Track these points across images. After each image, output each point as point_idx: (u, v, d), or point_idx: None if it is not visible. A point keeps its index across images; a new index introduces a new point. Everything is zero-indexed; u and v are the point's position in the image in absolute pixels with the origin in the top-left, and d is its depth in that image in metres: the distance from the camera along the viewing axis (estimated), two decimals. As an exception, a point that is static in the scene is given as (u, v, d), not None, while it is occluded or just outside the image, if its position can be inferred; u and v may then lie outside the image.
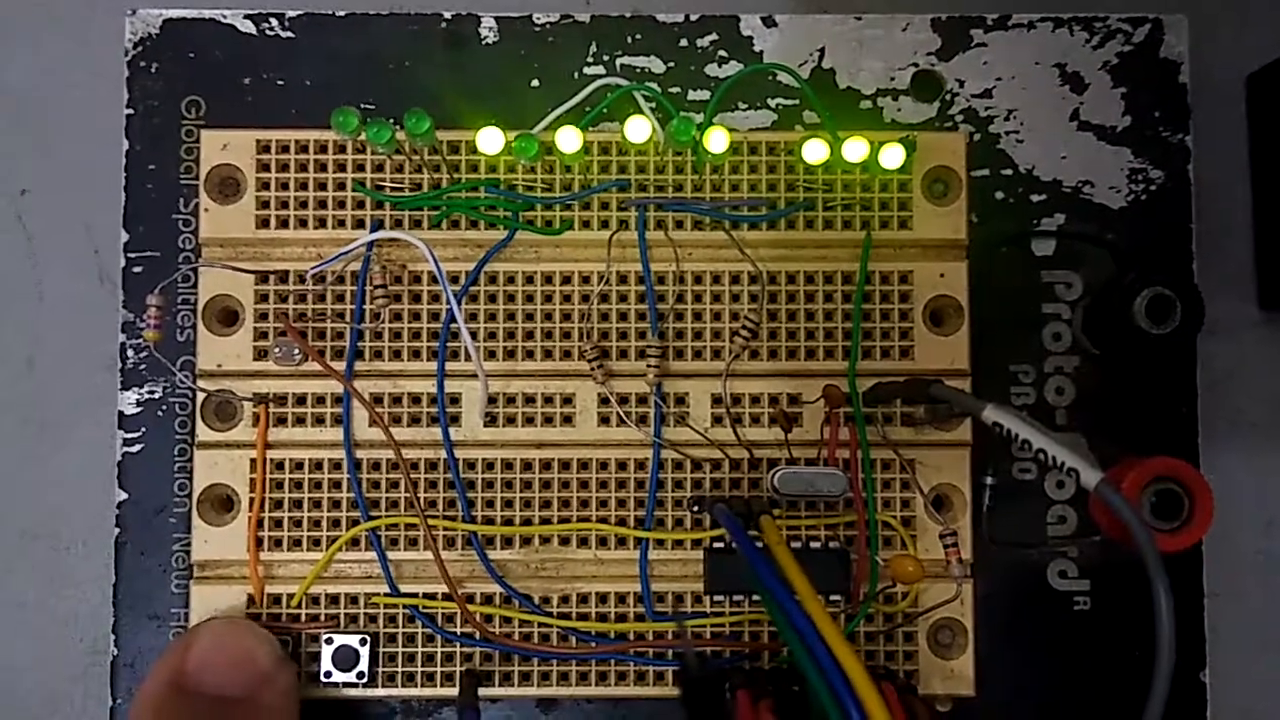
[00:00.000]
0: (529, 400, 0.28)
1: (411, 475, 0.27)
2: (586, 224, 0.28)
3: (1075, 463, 0.22)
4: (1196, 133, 0.29)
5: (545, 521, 0.28)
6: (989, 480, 0.28)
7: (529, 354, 0.28)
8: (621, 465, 0.28)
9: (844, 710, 0.21)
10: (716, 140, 0.26)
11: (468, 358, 0.27)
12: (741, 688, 0.24)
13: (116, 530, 0.28)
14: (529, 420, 0.28)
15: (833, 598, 0.27)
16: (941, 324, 0.28)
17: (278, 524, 0.27)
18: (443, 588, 0.27)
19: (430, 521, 0.27)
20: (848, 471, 0.27)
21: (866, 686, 0.21)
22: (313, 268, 0.27)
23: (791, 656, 0.22)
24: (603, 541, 0.28)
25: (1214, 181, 0.30)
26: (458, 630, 0.27)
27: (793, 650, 0.22)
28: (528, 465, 0.28)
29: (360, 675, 0.27)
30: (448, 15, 0.29)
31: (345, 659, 0.27)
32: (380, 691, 0.27)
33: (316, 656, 0.27)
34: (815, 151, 0.27)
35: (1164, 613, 0.20)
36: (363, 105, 0.28)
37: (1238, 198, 0.31)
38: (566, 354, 0.28)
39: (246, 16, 0.29)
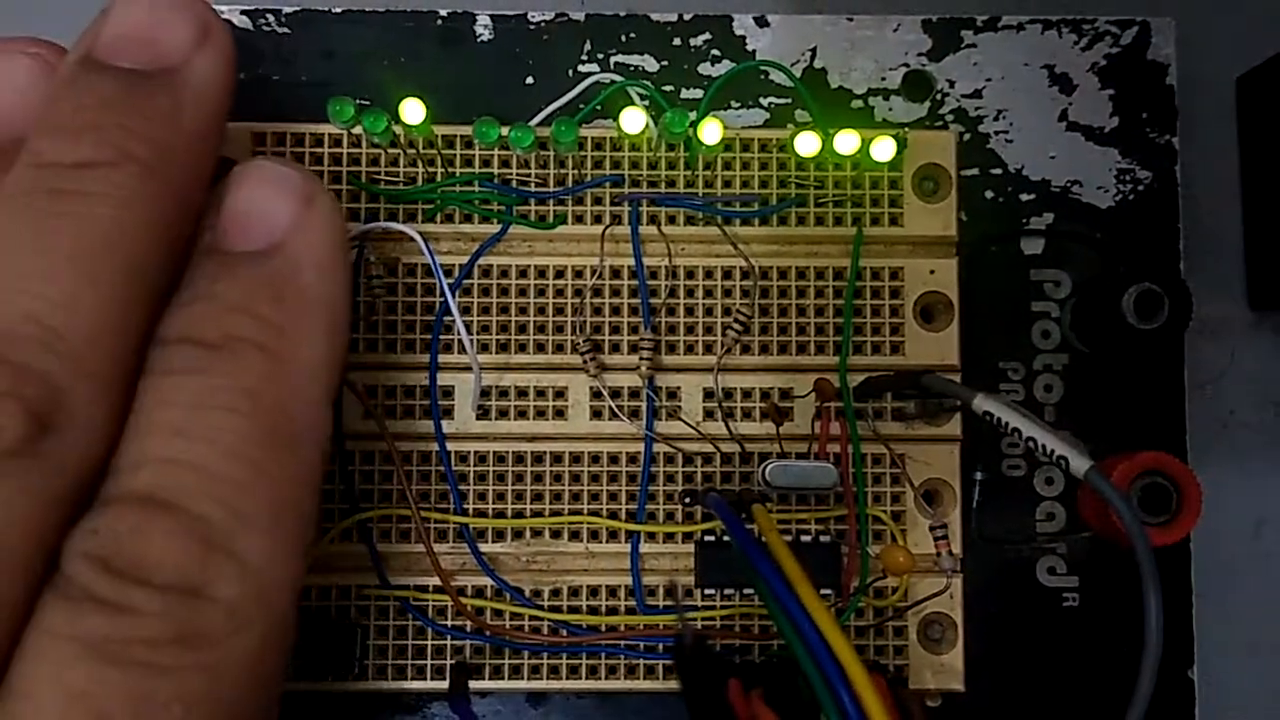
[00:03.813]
0: (521, 393, 0.28)
1: (404, 467, 0.27)
2: (580, 218, 0.28)
3: (1065, 450, 0.22)
4: (1186, 134, 0.29)
5: (537, 514, 0.28)
6: (978, 476, 0.28)
7: (521, 347, 0.28)
8: (613, 458, 0.28)
9: (837, 698, 0.21)
10: (710, 132, 0.26)
11: (461, 350, 0.27)
12: (733, 677, 0.24)
13: (107, 522, 0.28)
14: (521, 413, 0.28)
15: (822, 591, 0.27)
16: (932, 320, 0.28)
17: (269, 515, 0.27)
18: (433, 580, 0.27)
19: (423, 514, 0.27)
20: (839, 465, 0.27)
21: (860, 674, 0.21)
22: (307, 260, 0.27)
23: (785, 645, 0.22)
24: (594, 535, 0.28)
25: (1204, 183, 0.31)
26: (448, 623, 0.27)
27: (786, 638, 0.22)
28: (520, 458, 0.28)
29: (349, 667, 0.27)
30: (443, 13, 0.29)
31: (334, 651, 0.27)
32: (369, 684, 0.27)
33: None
34: (807, 144, 0.27)
35: (1151, 596, 0.21)
36: (358, 101, 0.28)
37: (1227, 199, 0.31)
38: (559, 347, 0.28)
39: (243, 12, 0.29)
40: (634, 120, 0.26)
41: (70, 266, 0.19)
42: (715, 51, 0.29)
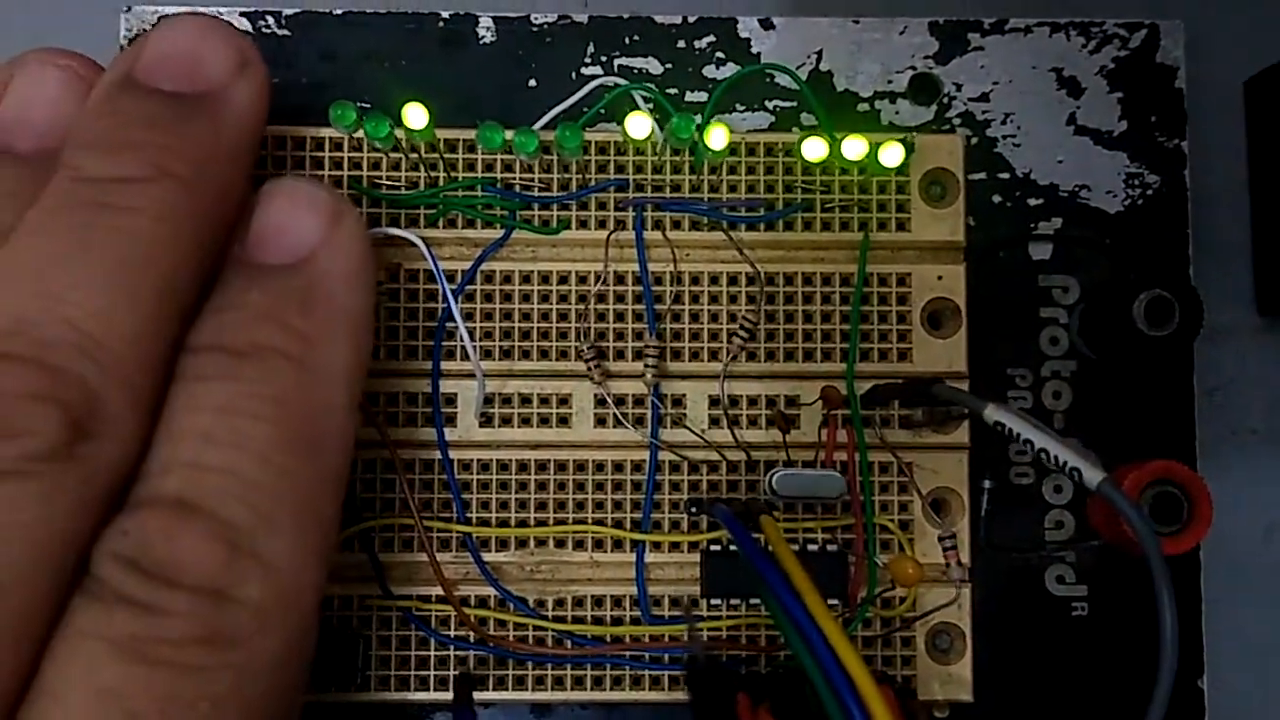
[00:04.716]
0: (525, 401, 0.27)
1: (407, 476, 0.27)
2: (584, 224, 0.28)
3: (1078, 462, 0.22)
4: (1194, 138, 0.29)
5: (541, 523, 0.27)
6: (987, 484, 0.28)
7: (525, 354, 0.27)
8: (618, 467, 0.27)
9: (846, 711, 0.20)
10: (716, 137, 0.26)
11: (463, 357, 0.27)
12: (740, 690, 0.24)
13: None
14: (525, 421, 0.27)
15: (830, 602, 0.27)
16: (939, 326, 0.28)
17: (270, 525, 0.27)
18: (436, 590, 0.27)
19: (425, 523, 0.27)
20: (846, 474, 0.27)
21: (870, 687, 0.20)
22: (307, 266, 0.27)
23: (793, 657, 0.22)
24: (599, 544, 0.27)
25: (1212, 187, 0.30)
26: (451, 633, 0.27)
27: (794, 649, 0.22)
28: (524, 466, 0.27)
29: (352, 678, 0.27)
30: (445, 15, 0.29)
31: (337, 662, 0.27)
32: (372, 695, 0.27)
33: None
34: (814, 149, 0.27)
35: (1167, 609, 0.20)
36: (359, 104, 0.28)
37: (1236, 203, 0.31)
38: (563, 354, 0.27)
39: (243, 14, 0.29)
40: (640, 126, 0.26)
41: (109, 277, 0.20)
42: (720, 54, 0.29)
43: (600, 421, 0.27)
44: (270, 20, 0.29)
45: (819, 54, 0.29)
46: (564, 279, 0.27)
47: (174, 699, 0.18)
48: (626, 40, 0.29)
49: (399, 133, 0.26)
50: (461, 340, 0.27)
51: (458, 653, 0.27)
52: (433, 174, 0.27)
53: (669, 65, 0.29)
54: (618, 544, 0.27)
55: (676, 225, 0.28)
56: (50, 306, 0.19)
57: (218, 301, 0.22)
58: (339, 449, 0.22)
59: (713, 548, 0.27)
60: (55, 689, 0.18)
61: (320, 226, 0.22)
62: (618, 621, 0.27)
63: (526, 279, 0.27)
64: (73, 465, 0.19)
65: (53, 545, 0.18)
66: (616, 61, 0.29)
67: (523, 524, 0.27)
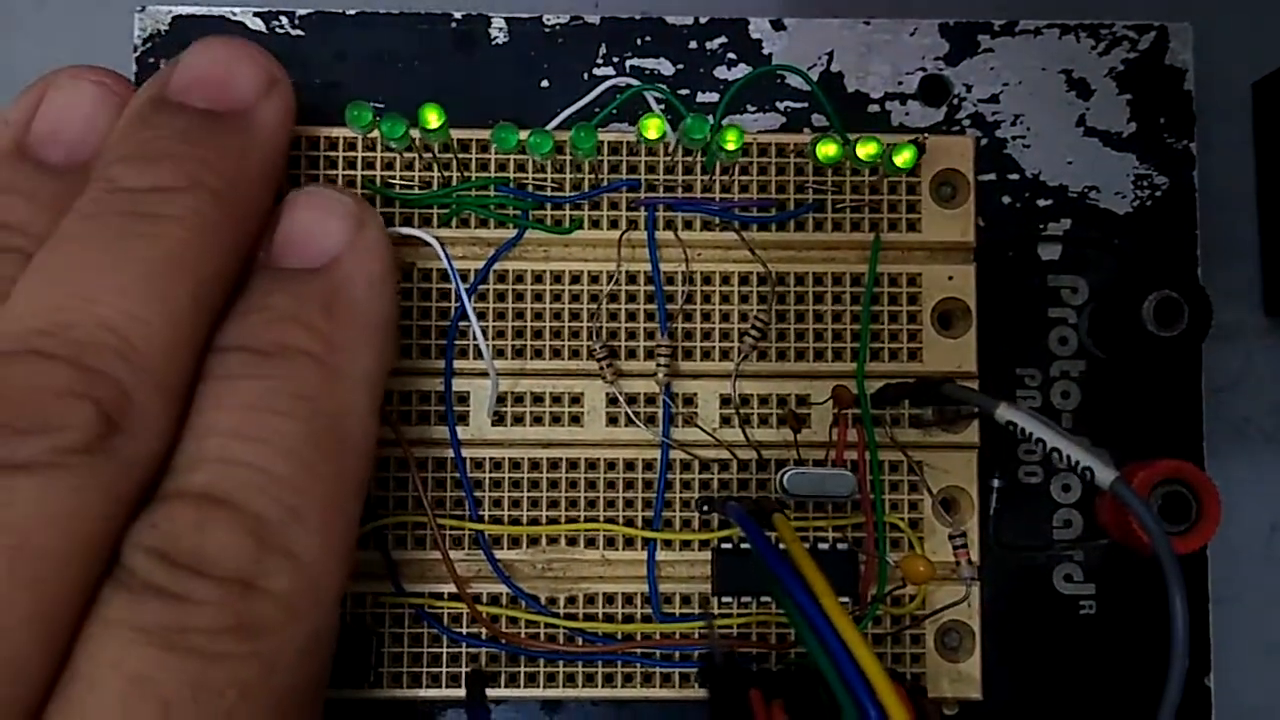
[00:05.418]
0: (537, 399, 0.28)
1: (420, 474, 0.27)
2: (596, 223, 0.28)
3: (1090, 461, 0.22)
4: (1203, 139, 0.29)
5: (553, 521, 0.27)
6: (996, 483, 0.28)
7: (537, 353, 0.28)
8: (630, 465, 0.28)
9: (863, 711, 0.21)
10: (730, 138, 0.26)
11: (476, 356, 0.27)
12: (753, 687, 0.24)
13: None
14: (537, 419, 0.28)
15: (841, 599, 0.27)
16: (950, 326, 0.28)
17: (283, 522, 0.27)
18: (448, 587, 0.27)
19: (438, 521, 0.27)
20: (856, 472, 0.27)
21: (885, 685, 0.21)
22: (321, 265, 0.27)
23: (806, 655, 0.22)
24: (610, 542, 0.27)
25: (1221, 188, 0.31)
26: (463, 631, 0.27)
27: (810, 649, 0.22)
28: (535, 465, 0.27)
29: (364, 675, 0.27)
30: (458, 15, 0.29)
31: (349, 659, 0.27)
32: (384, 692, 0.27)
33: (321, 656, 0.27)
34: (827, 149, 0.27)
35: (1178, 611, 0.21)
36: (372, 104, 0.28)
37: (1244, 204, 0.31)
38: (575, 353, 0.27)
39: (256, 14, 0.29)
40: (656, 129, 0.26)
41: (143, 282, 0.20)
42: (731, 55, 0.29)
43: (612, 420, 0.28)
44: (284, 20, 0.29)
45: (830, 55, 0.29)
46: (576, 278, 0.28)
47: (202, 686, 0.18)
48: (638, 41, 0.29)
49: (414, 133, 0.27)
50: (474, 339, 0.27)
51: (469, 650, 0.27)
52: (446, 174, 0.28)
53: (680, 66, 0.29)
54: (629, 542, 0.27)
55: (688, 225, 0.28)
56: (86, 309, 0.20)
57: (244, 304, 0.22)
58: (361, 451, 0.22)
59: (723, 546, 0.27)
60: (87, 675, 0.18)
61: (344, 232, 0.23)
62: (629, 619, 0.27)
63: (539, 278, 0.28)
64: (105, 459, 0.19)
65: (85, 536, 0.19)
66: (628, 62, 0.29)
67: (534, 522, 0.27)
